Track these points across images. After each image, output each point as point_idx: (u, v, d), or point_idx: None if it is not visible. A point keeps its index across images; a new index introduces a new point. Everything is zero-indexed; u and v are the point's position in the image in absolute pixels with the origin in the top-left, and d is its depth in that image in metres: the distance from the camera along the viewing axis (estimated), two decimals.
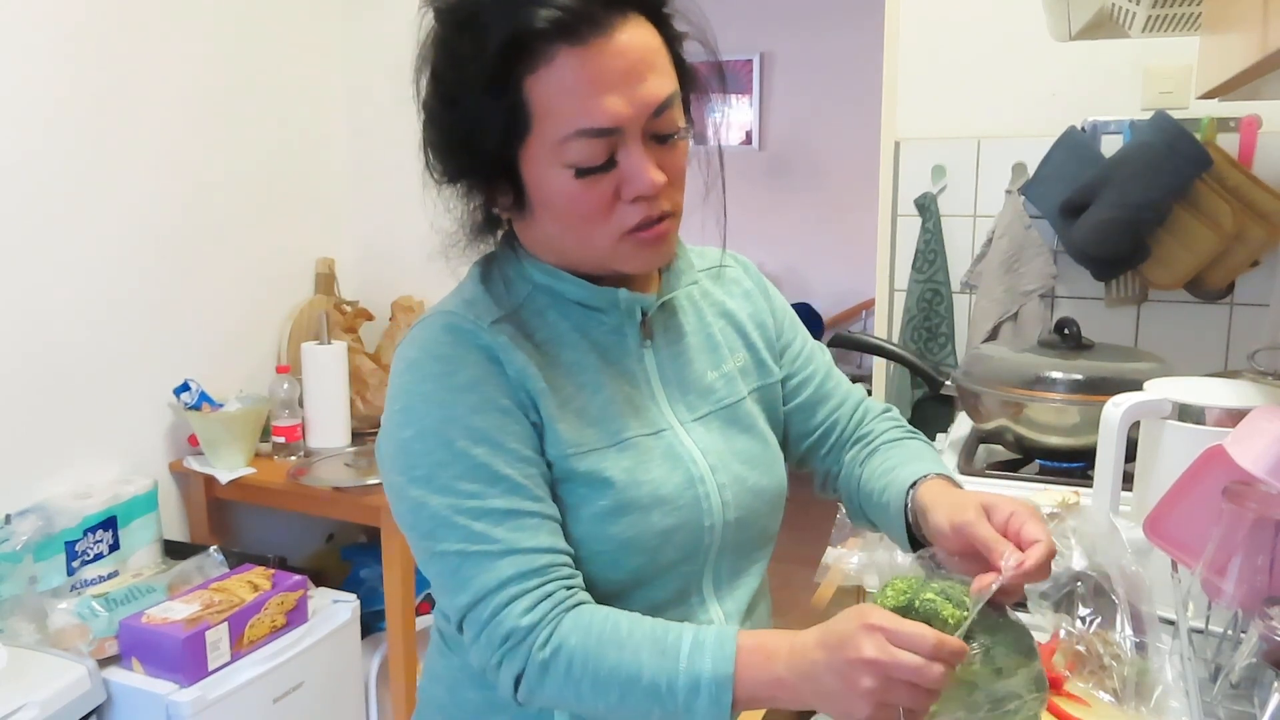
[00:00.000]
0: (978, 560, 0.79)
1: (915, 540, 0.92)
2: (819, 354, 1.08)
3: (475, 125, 0.79)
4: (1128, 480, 1.18)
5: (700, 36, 0.85)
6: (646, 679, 0.76)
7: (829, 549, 1.22)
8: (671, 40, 0.82)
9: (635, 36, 0.77)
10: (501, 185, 0.83)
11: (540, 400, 0.84)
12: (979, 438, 1.69)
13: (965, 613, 0.74)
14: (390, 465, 0.85)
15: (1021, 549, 0.76)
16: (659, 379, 0.92)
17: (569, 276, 0.88)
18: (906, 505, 0.91)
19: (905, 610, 0.75)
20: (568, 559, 0.83)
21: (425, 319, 0.87)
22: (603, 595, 0.86)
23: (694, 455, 0.90)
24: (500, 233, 0.92)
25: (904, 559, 0.98)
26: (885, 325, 2.31)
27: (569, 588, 0.82)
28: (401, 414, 0.83)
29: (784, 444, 1.06)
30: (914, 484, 0.92)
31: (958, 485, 0.93)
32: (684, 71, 0.84)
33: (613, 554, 0.85)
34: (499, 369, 0.83)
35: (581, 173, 0.78)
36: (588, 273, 0.88)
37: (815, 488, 1.10)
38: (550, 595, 0.80)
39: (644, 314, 0.91)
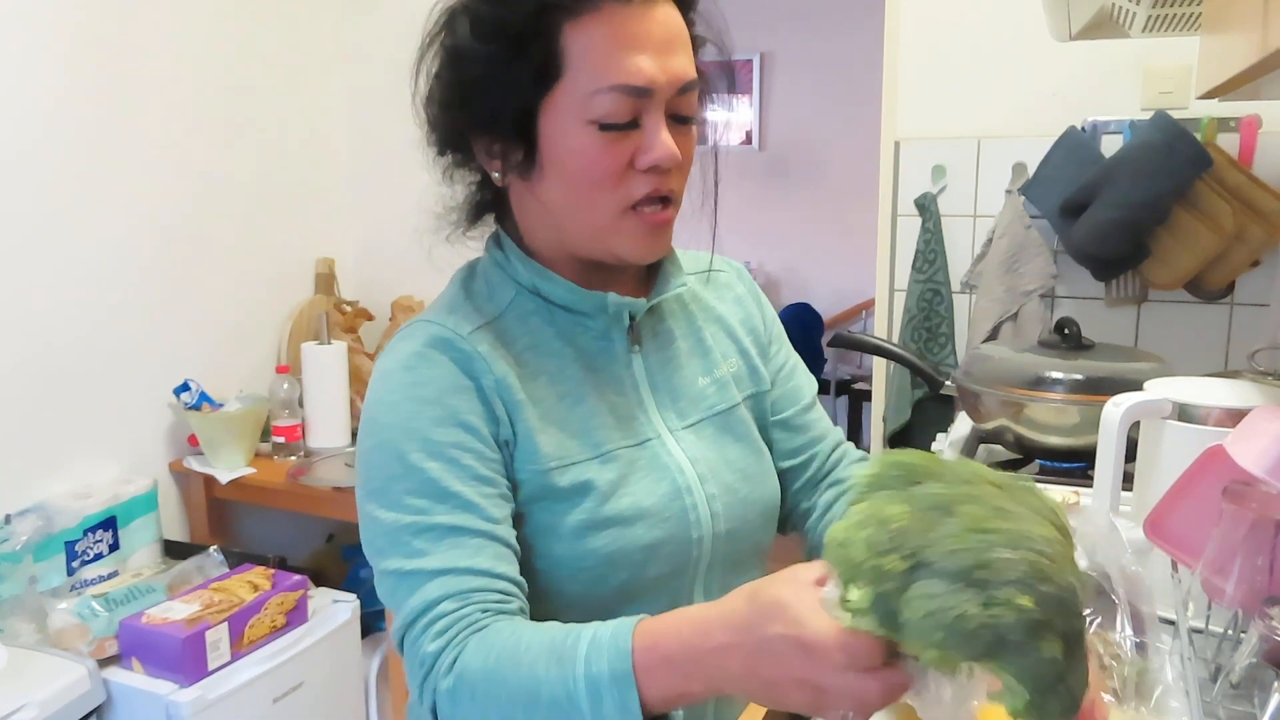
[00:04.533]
0: None
1: None
2: (804, 377, 1.05)
3: (507, 66, 0.78)
4: (1128, 480, 1.18)
5: (718, 40, 0.86)
6: (546, 694, 0.69)
7: None
8: (692, 39, 0.83)
9: (670, 14, 0.80)
10: (514, 141, 0.81)
11: (518, 413, 0.82)
12: (979, 438, 1.69)
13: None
14: (357, 477, 0.84)
15: None
16: (648, 385, 0.90)
17: (557, 278, 0.86)
18: None
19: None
20: (506, 585, 0.78)
21: (406, 329, 0.86)
22: (590, 612, 0.83)
23: (681, 465, 0.88)
24: (489, 227, 0.91)
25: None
26: (885, 325, 2.31)
27: (486, 610, 0.75)
28: (367, 424, 0.83)
29: None
30: None
31: None
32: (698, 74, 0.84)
33: (597, 569, 0.83)
34: (473, 382, 0.82)
35: (605, 128, 0.78)
36: (581, 257, 0.86)
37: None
38: (463, 620, 0.75)
39: (632, 319, 0.89)
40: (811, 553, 1.02)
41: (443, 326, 0.84)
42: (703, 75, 0.85)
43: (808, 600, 0.62)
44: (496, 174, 0.85)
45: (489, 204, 0.89)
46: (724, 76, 0.88)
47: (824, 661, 0.60)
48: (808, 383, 1.05)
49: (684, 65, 0.80)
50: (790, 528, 1.04)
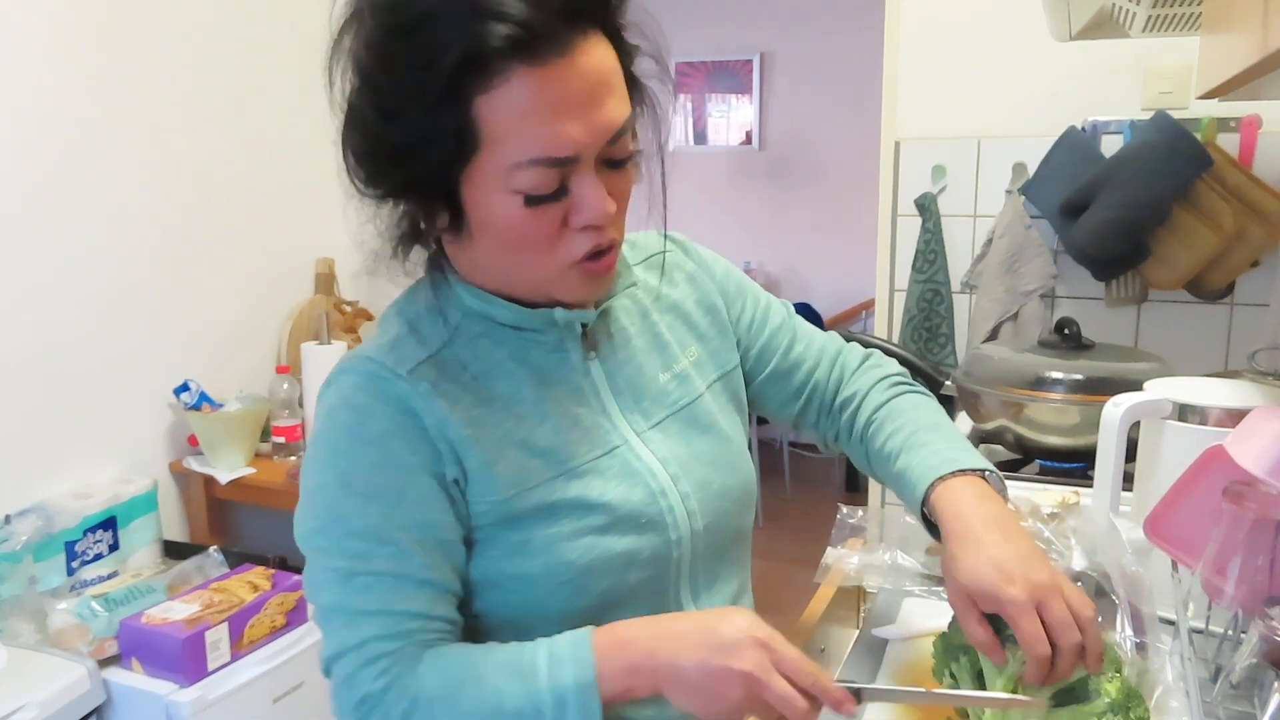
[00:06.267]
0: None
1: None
2: (776, 314, 1.03)
3: (416, 142, 0.72)
4: (1128, 480, 1.18)
5: (654, 52, 0.80)
6: (510, 707, 0.73)
7: (829, 549, 1.22)
8: (626, 56, 0.78)
9: (594, 57, 0.72)
10: (438, 205, 0.77)
11: (465, 450, 0.79)
12: (979, 438, 1.69)
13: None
14: (298, 513, 0.82)
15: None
16: (609, 390, 0.88)
17: (501, 301, 0.83)
18: (924, 513, 0.88)
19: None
20: (443, 625, 0.79)
21: (347, 361, 0.83)
22: (575, 623, 0.82)
23: (653, 468, 0.87)
24: (428, 248, 0.86)
25: (905, 560, 0.98)
26: (885, 325, 2.31)
27: (424, 645, 0.78)
28: (310, 462, 0.81)
29: (771, 414, 1.04)
30: (926, 496, 0.87)
31: (969, 474, 0.86)
32: (634, 87, 0.80)
33: (576, 580, 0.82)
34: (413, 421, 0.79)
35: (531, 201, 0.73)
36: (523, 297, 0.84)
37: (820, 447, 1.08)
38: (404, 657, 0.77)
39: (584, 326, 0.87)
40: (872, 460, 0.99)
41: (381, 365, 0.80)
42: (641, 87, 0.80)
43: (758, 619, 0.75)
44: (423, 225, 0.81)
45: (423, 233, 0.84)
46: (665, 79, 0.82)
47: (775, 653, 0.72)
48: (782, 320, 1.03)
49: (613, 112, 0.74)
50: (838, 452, 1.06)
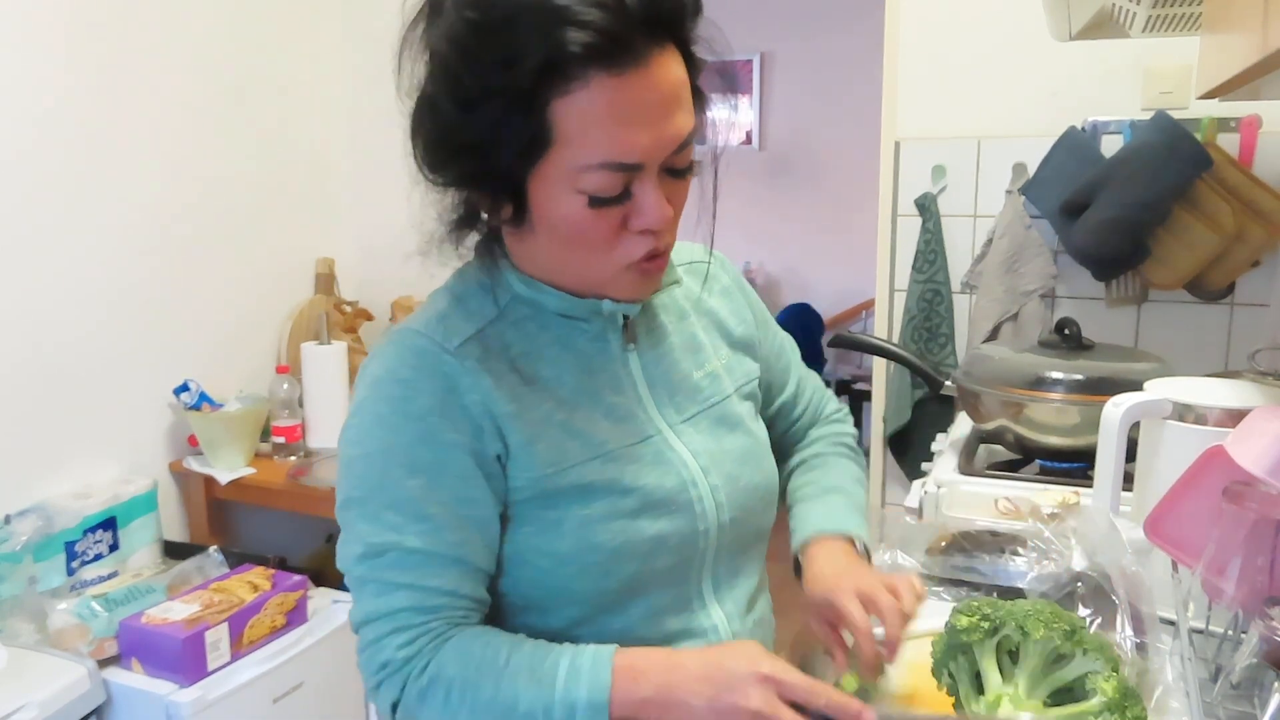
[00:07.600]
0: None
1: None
2: (788, 346, 1.10)
3: (489, 137, 0.75)
4: (1128, 480, 1.18)
5: (721, 67, 0.84)
6: (523, 709, 0.77)
7: None
8: (694, 70, 0.81)
9: (668, 69, 0.75)
10: (503, 198, 0.80)
11: (508, 425, 0.82)
12: (979, 438, 1.69)
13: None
14: (338, 480, 0.85)
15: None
16: (645, 382, 0.91)
17: (550, 290, 0.86)
18: (796, 558, 0.98)
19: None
20: (468, 603, 0.83)
21: (395, 333, 0.85)
22: (599, 606, 0.85)
23: (685, 459, 0.89)
24: (482, 233, 0.88)
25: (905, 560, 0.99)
26: (885, 325, 2.31)
27: (450, 624, 0.82)
28: (353, 431, 0.84)
29: None
30: (804, 543, 0.97)
31: (842, 544, 0.96)
32: (698, 100, 0.82)
33: (604, 563, 0.84)
34: (456, 399, 0.81)
35: (595, 202, 0.76)
36: (573, 290, 0.86)
37: None
38: (430, 631, 0.81)
39: (625, 318, 0.90)
40: (785, 489, 1.08)
41: (430, 339, 0.83)
42: (705, 101, 0.83)
43: (765, 652, 0.78)
44: (486, 214, 0.84)
45: (477, 219, 0.87)
46: (724, 81, 0.86)
47: (782, 690, 0.74)
48: (791, 357, 1.10)
49: (680, 124, 0.77)
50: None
